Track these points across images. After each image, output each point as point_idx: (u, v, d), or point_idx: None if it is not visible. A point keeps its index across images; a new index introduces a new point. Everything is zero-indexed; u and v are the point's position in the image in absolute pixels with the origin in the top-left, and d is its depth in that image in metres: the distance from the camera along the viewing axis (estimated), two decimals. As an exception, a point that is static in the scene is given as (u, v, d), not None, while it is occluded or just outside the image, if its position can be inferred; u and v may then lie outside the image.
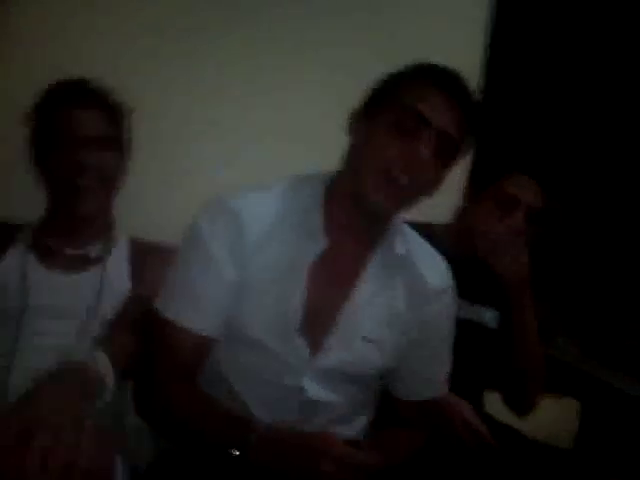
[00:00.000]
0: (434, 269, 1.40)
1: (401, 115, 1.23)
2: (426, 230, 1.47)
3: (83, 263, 1.55)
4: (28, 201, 1.57)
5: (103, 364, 1.19)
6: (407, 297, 1.37)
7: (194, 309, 1.26)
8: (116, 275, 1.55)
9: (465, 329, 1.54)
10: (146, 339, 1.33)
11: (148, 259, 1.57)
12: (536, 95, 2.47)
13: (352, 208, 1.29)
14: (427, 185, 1.27)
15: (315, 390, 1.32)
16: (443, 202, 1.47)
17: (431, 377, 1.47)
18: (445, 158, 1.25)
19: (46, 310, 1.47)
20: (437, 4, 2.15)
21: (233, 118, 1.98)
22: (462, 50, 2.05)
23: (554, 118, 2.48)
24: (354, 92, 1.31)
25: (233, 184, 1.34)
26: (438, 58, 1.29)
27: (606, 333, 2.68)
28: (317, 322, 1.31)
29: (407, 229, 1.40)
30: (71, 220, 1.54)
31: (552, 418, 1.87)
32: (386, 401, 1.47)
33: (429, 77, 1.25)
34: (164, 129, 1.88)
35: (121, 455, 1.27)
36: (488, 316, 1.76)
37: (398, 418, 1.47)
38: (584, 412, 2.12)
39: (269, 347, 1.29)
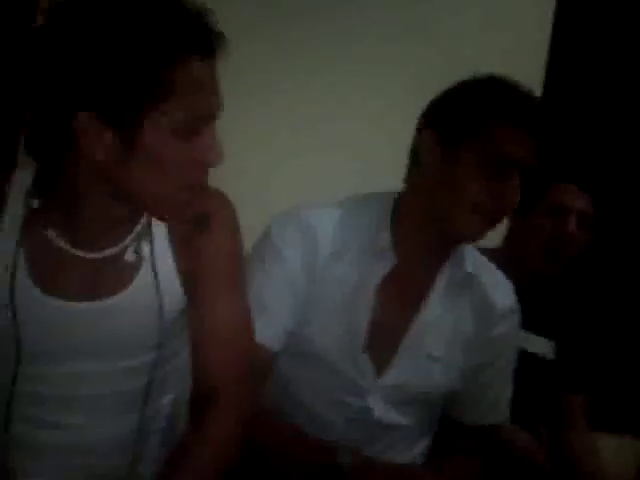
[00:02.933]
0: (501, 289, 1.40)
1: (489, 155, 1.25)
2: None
3: (116, 273, 1.10)
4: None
5: None
6: (474, 317, 1.37)
7: (265, 322, 1.24)
8: (167, 277, 1.12)
9: (519, 359, 1.51)
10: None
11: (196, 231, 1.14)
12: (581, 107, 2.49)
13: (424, 229, 1.31)
14: (507, 214, 1.32)
15: (381, 410, 1.32)
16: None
17: (495, 400, 1.45)
18: (522, 184, 1.28)
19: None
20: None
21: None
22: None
23: (599, 130, 2.47)
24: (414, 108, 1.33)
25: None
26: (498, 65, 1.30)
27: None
28: (383, 341, 1.31)
29: (472, 249, 1.40)
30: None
31: (612, 456, 1.81)
32: (443, 427, 1.45)
33: (509, 110, 1.26)
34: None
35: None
36: (544, 346, 1.74)
37: (454, 444, 1.45)
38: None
39: (335, 366, 1.30)
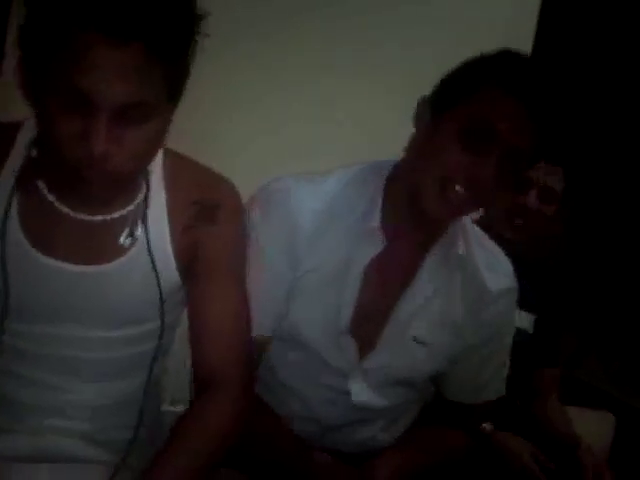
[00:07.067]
0: (496, 270, 1.34)
1: (470, 124, 1.13)
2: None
3: (111, 241, 1.08)
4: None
5: None
6: (465, 299, 1.32)
7: (255, 310, 1.21)
8: (162, 256, 1.11)
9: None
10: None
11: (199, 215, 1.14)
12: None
13: (408, 207, 1.23)
14: (486, 197, 1.20)
15: (362, 394, 1.31)
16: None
17: (489, 379, 1.43)
18: (510, 170, 1.16)
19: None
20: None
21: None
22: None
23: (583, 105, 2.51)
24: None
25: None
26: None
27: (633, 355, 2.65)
28: (368, 323, 1.28)
29: (470, 226, 1.35)
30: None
31: (587, 430, 1.86)
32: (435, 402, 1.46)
33: (504, 81, 1.13)
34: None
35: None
36: (524, 320, 1.78)
37: (444, 419, 1.45)
38: (619, 426, 2.10)
39: (318, 348, 1.27)
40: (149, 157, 1.04)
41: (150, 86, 0.94)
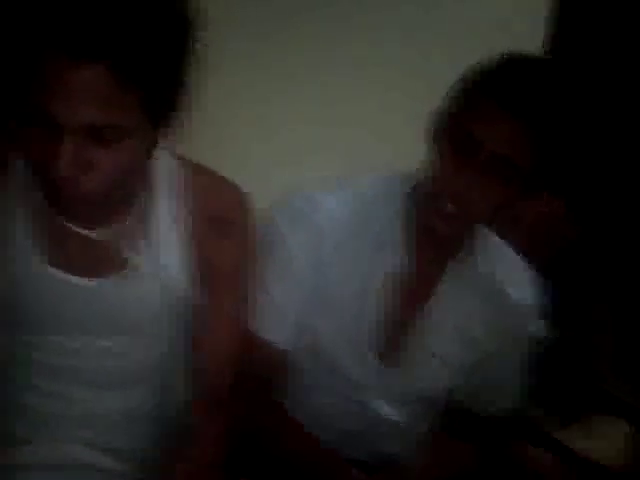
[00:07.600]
0: (519, 282, 1.34)
1: (455, 134, 1.13)
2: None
3: (114, 253, 1.07)
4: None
5: None
6: (484, 313, 1.31)
7: (276, 320, 1.22)
8: (168, 267, 1.10)
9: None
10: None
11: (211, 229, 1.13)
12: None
13: (421, 223, 1.23)
14: (482, 212, 1.17)
15: (380, 408, 1.30)
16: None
17: (503, 389, 1.42)
18: (500, 181, 1.12)
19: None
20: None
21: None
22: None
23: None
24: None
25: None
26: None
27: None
28: (389, 339, 1.27)
29: (494, 240, 1.33)
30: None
31: (605, 438, 1.82)
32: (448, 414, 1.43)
33: (486, 87, 1.11)
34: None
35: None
36: (535, 325, 1.73)
37: (456, 431, 1.43)
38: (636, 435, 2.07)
39: (338, 362, 1.26)
40: (128, 176, 1.00)
41: (122, 109, 0.88)
